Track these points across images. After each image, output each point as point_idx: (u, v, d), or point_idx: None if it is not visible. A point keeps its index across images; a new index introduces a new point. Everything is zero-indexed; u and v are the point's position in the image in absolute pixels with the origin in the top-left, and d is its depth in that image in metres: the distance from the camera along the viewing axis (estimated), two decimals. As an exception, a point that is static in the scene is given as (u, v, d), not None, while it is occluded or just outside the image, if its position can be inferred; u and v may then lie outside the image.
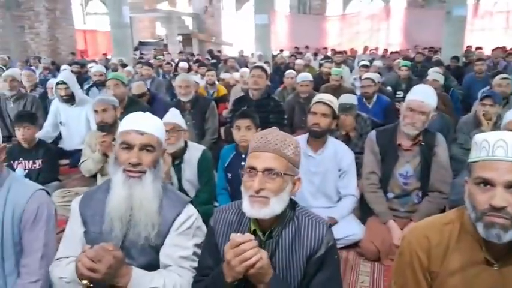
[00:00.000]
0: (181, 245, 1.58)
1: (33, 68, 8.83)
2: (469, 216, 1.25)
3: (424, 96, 2.58)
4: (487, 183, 1.17)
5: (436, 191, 2.64)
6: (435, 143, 2.64)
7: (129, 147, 1.54)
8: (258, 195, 1.33)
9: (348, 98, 3.98)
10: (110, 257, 1.36)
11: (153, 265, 1.56)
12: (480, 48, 11.71)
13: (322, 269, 1.39)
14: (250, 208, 1.35)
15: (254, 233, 1.42)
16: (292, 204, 1.46)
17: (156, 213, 1.54)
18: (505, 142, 1.17)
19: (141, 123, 1.58)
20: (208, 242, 1.53)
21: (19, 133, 3.46)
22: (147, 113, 1.68)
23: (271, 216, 1.35)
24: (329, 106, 2.80)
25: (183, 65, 8.35)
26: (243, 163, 2.87)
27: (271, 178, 1.34)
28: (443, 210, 2.68)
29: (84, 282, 1.40)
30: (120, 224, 1.53)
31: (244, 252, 1.21)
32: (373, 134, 2.80)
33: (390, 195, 2.74)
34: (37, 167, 3.55)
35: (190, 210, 1.63)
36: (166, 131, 2.79)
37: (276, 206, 1.34)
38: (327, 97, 2.88)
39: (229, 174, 2.96)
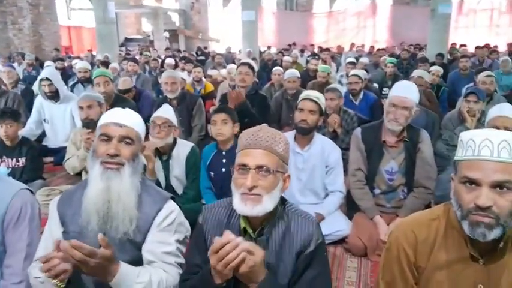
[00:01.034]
0: (164, 241, 1.56)
1: (13, 64, 8.66)
2: (455, 213, 1.27)
3: (406, 91, 2.62)
4: (472, 182, 1.18)
5: (421, 187, 2.67)
6: (419, 140, 2.67)
7: (107, 139, 1.52)
8: (251, 192, 1.31)
9: (335, 85, 4.39)
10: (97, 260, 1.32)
11: (134, 263, 1.53)
12: (464, 45, 11.87)
13: (312, 266, 1.39)
14: (242, 206, 1.33)
15: (244, 230, 1.41)
16: (282, 201, 1.46)
17: (134, 207, 1.52)
18: (490, 142, 1.18)
19: (121, 117, 1.57)
20: (197, 240, 1.51)
21: (1, 130, 3.39)
22: (127, 109, 1.67)
23: (263, 214, 1.34)
24: (316, 103, 2.80)
25: (170, 61, 8.29)
26: (224, 160, 2.87)
27: (263, 175, 1.33)
28: (428, 206, 2.72)
29: (54, 281, 1.37)
30: (97, 218, 1.50)
31: (227, 254, 1.18)
32: (358, 131, 2.82)
33: (376, 191, 2.77)
34: (21, 165, 3.49)
35: (171, 206, 1.61)
36: (158, 124, 2.81)
37: (268, 204, 1.33)
38: (313, 94, 2.88)
39: (212, 173, 2.95)
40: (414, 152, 2.66)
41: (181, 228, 1.64)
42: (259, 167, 1.33)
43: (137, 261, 1.55)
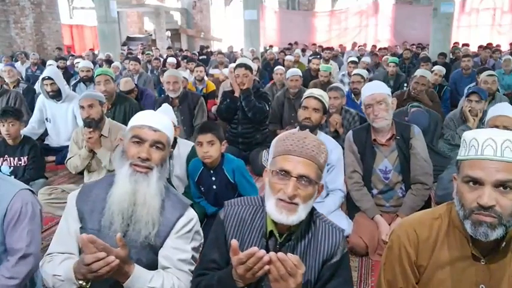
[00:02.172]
0: (181, 248, 1.57)
1: (16, 63, 8.67)
2: (457, 212, 1.27)
3: (371, 89, 2.67)
4: (475, 182, 1.18)
5: (418, 183, 2.67)
6: (410, 136, 2.67)
7: (140, 141, 1.53)
8: (290, 201, 1.30)
9: (338, 84, 4.52)
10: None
11: (151, 266, 1.54)
12: (467, 44, 11.83)
13: (337, 275, 1.38)
14: (278, 213, 1.31)
15: (271, 233, 1.40)
16: (311, 209, 1.44)
17: (157, 211, 1.53)
18: (494, 141, 1.17)
19: (154, 120, 1.58)
20: (217, 236, 1.49)
21: (3, 129, 3.40)
22: (160, 112, 1.68)
23: (297, 223, 1.33)
24: (320, 101, 2.82)
25: (171, 60, 8.28)
26: (213, 178, 2.72)
27: (304, 185, 1.31)
28: (428, 202, 2.71)
29: (81, 282, 1.39)
30: (121, 219, 1.51)
31: (254, 265, 1.18)
32: (350, 134, 2.85)
33: (374, 191, 2.76)
34: (23, 164, 3.49)
35: (191, 214, 1.62)
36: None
37: (302, 213, 1.32)
38: (317, 92, 2.90)
39: (202, 188, 2.83)
40: (407, 149, 2.66)
41: (197, 236, 1.65)
42: (301, 176, 1.30)
43: (153, 265, 1.56)
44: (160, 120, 1.60)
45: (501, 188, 1.15)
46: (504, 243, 1.23)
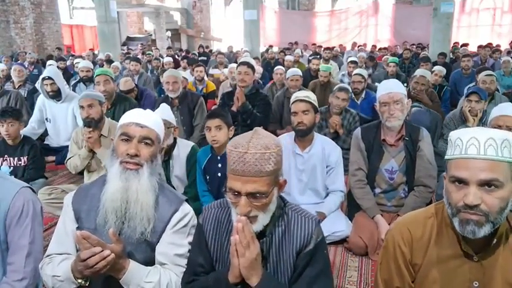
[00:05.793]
0: (177, 243, 1.58)
1: (24, 63, 8.67)
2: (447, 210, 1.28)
3: (389, 87, 2.64)
4: (460, 181, 1.20)
5: (422, 185, 2.67)
6: (419, 138, 2.67)
7: (128, 139, 1.55)
8: (247, 216, 1.30)
9: (346, 85, 4.43)
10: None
11: (148, 263, 1.55)
12: (466, 45, 11.83)
13: (312, 264, 1.39)
14: None
15: None
16: (282, 201, 1.46)
17: (151, 207, 1.53)
18: (477, 140, 1.19)
19: (142, 117, 1.60)
20: (198, 240, 1.52)
21: (3, 129, 3.41)
22: (148, 110, 1.70)
23: (261, 229, 1.35)
24: (307, 102, 2.77)
25: (167, 60, 8.26)
26: (219, 165, 2.80)
27: (256, 199, 1.30)
28: (429, 203, 2.71)
29: (79, 280, 1.40)
30: (115, 217, 1.51)
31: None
32: (358, 131, 2.83)
33: (377, 190, 2.77)
34: (23, 164, 3.50)
35: (186, 209, 1.63)
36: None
37: (264, 220, 1.34)
38: (302, 94, 2.84)
39: (208, 176, 2.90)
40: (414, 151, 2.66)
41: (194, 231, 1.65)
42: (250, 194, 1.29)
43: (151, 261, 1.57)
44: (148, 116, 1.62)
45: (486, 187, 1.17)
46: (495, 239, 1.24)
